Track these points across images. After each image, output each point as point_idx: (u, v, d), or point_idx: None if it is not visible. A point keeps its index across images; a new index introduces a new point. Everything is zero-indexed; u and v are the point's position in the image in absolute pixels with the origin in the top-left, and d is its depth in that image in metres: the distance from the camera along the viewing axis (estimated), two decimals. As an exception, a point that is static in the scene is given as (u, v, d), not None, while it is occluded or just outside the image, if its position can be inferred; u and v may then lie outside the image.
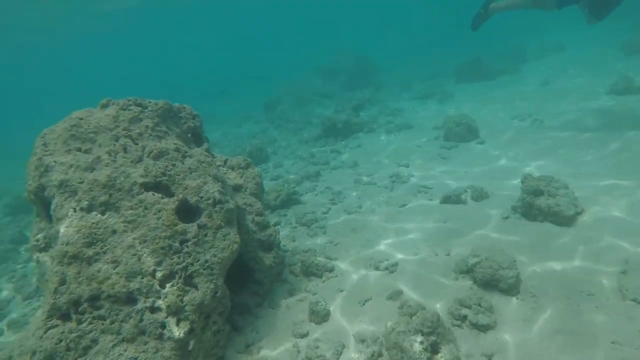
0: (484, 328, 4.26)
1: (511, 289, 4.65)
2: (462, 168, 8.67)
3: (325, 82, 20.90)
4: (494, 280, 4.70)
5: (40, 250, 4.73)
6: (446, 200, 7.18)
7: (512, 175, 7.72)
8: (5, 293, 7.50)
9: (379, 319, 4.62)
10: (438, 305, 4.68)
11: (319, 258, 5.90)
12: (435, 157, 9.66)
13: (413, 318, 4.19)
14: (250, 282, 5.30)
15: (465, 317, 4.41)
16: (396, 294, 4.95)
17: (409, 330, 4.01)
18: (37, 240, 4.72)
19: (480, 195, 7.06)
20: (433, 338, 3.93)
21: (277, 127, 16.63)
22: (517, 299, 4.58)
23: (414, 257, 5.70)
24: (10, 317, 6.57)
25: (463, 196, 7.10)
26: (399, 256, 5.79)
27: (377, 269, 5.61)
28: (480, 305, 4.46)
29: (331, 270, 5.74)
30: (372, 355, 4.17)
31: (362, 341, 4.36)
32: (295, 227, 7.41)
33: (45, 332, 3.71)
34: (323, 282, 5.57)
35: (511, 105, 12.74)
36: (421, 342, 3.89)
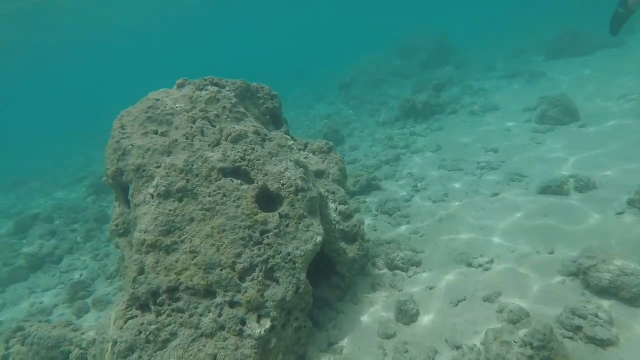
0: (603, 343, 3.62)
1: (636, 299, 3.97)
2: (561, 155, 7.80)
3: (402, 62, 20.07)
4: (613, 288, 4.03)
5: (120, 236, 4.62)
6: (545, 190, 6.43)
7: (624, 162, 6.80)
8: (90, 271, 7.66)
9: (475, 323, 4.11)
10: (545, 313, 4.08)
11: (404, 251, 5.45)
12: (528, 142, 8.82)
13: (517, 326, 3.67)
14: (332, 275, 4.95)
15: (579, 329, 3.80)
16: (494, 296, 4.41)
17: (515, 342, 3.50)
18: (117, 226, 4.62)
19: (586, 186, 6.26)
20: (545, 353, 3.39)
21: (352, 108, 16.15)
22: (643, 310, 3.91)
23: (512, 254, 5.10)
24: (96, 295, 6.68)
25: (565, 186, 6.32)
26: (495, 252, 5.21)
27: (470, 265, 5.08)
28: (597, 316, 3.82)
29: (418, 264, 5.28)
30: (471, 366, 3.70)
31: (457, 348, 3.90)
32: (377, 216, 6.98)
33: (125, 322, 3.55)
34: (410, 277, 5.12)
35: (616, 84, 11.45)
36: (531, 357, 3.37)
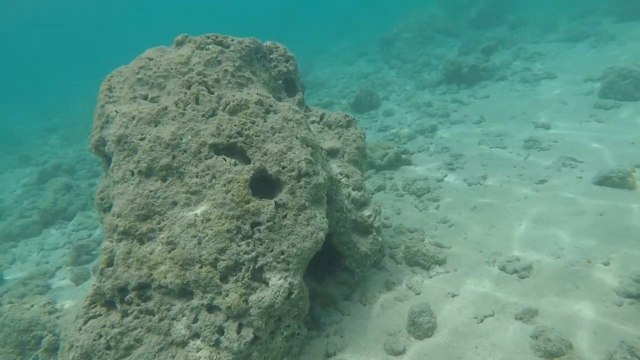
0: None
1: None
2: (628, 137, 6.76)
3: (450, 18, 18.40)
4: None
5: (105, 210, 4.14)
6: (603, 181, 5.52)
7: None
8: (100, 232, 7.34)
9: (504, 348, 3.44)
10: (594, 346, 3.35)
11: (427, 245, 4.77)
12: (588, 119, 7.78)
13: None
14: (338, 269, 4.37)
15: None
16: (528, 314, 3.71)
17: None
18: (102, 199, 4.12)
19: (653, 178, 5.35)
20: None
21: (393, 67, 15.08)
22: None
23: (556, 261, 4.34)
24: (98, 262, 6.32)
25: (629, 178, 5.39)
26: (535, 256, 4.47)
27: (503, 269, 4.37)
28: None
29: (442, 262, 4.61)
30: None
31: (476, 375, 3.29)
32: (402, 196, 6.27)
33: (85, 322, 3.09)
34: (430, 277, 4.47)
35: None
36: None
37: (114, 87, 3.96)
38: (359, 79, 14.37)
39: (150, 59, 4.01)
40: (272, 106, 3.89)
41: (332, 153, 4.44)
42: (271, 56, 4.60)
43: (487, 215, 5.35)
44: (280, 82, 4.59)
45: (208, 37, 4.15)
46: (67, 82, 30.45)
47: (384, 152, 7.00)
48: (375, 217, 4.25)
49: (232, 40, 4.20)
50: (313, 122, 4.75)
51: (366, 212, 4.22)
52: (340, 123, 4.76)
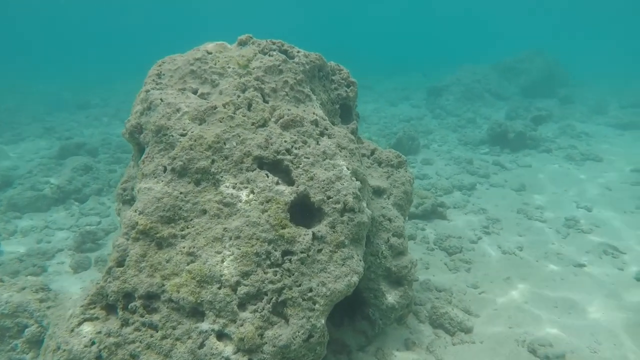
0: None
1: None
2: (674, 235, 6.36)
3: (502, 82, 18.21)
4: None
5: (125, 202, 3.84)
6: (647, 278, 5.15)
7: None
8: (109, 222, 7.01)
9: None
10: None
11: (455, 309, 4.37)
12: (633, 210, 7.35)
13: None
14: (359, 317, 3.97)
15: None
16: (561, 412, 3.29)
17: None
18: (124, 190, 3.83)
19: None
20: None
21: (436, 117, 14.82)
22: None
23: (591, 355, 3.93)
24: (102, 252, 6.01)
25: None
26: (569, 344, 4.06)
27: (533, 352, 3.97)
28: None
29: (468, 331, 4.21)
30: None
31: None
32: (433, 250, 5.88)
33: (80, 324, 2.74)
34: (454, 344, 4.07)
35: None
36: None
37: (164, 74, 3.70)
38: (401, 122, 14.11)
39: (209, 53, 3.76)
40: (327, 129, 3.59)
41: (378, 192, 4.10)
42: (333, 77, 4.33)
43: (522, 289, 4.94)
44: (337, 106, 4.30)
45: (274, 43, 3.90)
46: (114, 66, 30.86)
47: (420, 201, 6.63)
48: (411, 269, 3.87)
49: (298, 52, 3.94)
50: (364, 155, 4.44)
51: (402, 262, 3.84)
52: (392, 162, 4.44)
